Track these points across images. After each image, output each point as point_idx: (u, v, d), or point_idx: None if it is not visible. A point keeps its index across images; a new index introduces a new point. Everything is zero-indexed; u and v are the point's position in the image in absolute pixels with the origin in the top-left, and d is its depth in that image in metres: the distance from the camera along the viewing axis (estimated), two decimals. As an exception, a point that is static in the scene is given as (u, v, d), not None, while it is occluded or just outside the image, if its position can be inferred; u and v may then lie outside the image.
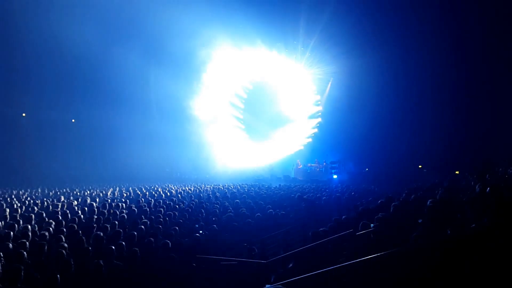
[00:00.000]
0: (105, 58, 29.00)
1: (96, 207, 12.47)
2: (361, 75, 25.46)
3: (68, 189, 20.53)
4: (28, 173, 30.07)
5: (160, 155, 33.74)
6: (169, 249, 7.42)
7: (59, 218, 10.08)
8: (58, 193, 19.06)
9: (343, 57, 26.32)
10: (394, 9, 24.06)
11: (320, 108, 30.80)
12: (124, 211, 11.69)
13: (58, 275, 5.64)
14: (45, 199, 15.71)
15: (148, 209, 11.80)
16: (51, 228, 8.75)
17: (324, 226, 8.34)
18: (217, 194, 16.59)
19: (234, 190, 18.24)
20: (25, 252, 6.49)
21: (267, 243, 9.40)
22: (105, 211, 11.38)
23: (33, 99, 33.02)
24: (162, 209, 11.92)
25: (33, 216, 10.21)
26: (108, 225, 9.08)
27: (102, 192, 18.79)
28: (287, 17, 26.43)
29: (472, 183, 9.79)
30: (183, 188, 20.17)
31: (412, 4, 23.59)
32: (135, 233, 8.24)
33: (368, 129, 26.06)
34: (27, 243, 7.19)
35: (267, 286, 5.80)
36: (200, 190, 19.28)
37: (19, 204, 13.45)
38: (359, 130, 26.14)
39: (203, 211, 11.60)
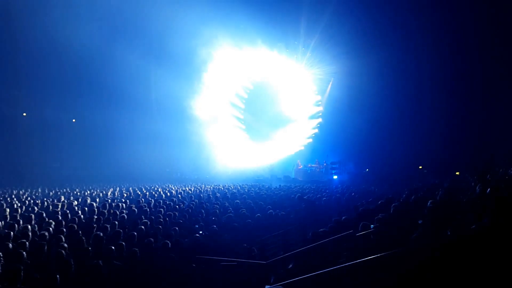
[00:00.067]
0: (106, 58, 29.01)
1: (96, 207, 12.47)
2: (362, 75, 25.47)
3: (68, 189, 20.51)
4: (28, 173, 30.07)
5: (160, 155, 33.75)
6: (169, 249, 7.42)
7: (59, 218, 10.08)
8: (58, 193, 19.05)
9: (343, 58, 26.33)
10: (394, 10, 24.07)
11: (320, 108, 30.80)
12: (124, 211, 11.68)
13: (58, 275, 5.64)
14: (45, 199, 15.70)
15: (148, 210, 11.80)
16: (51, 228, 8.74)
17: (324, 226, 8.34)
18: (217, 194, 16.58)
19: (234, 190, 18.23)
20: (24, 252, 6.48)
21: (267, 243, 9.40)
22: (105, 211, 11.38)
23: (34, 99, 33.02)
24: (162, 209, 11.92)
25: (33, 216, 10.20)
26: (108, 225, 9.08)
27: (102, 192, 18.78)
28: (288, 17, 26.42)
29: (472, 184, 9.79)
30: (183, 189, 20.15)
31: (412, 5, 23.59)
32: (135, 233, 8.24)
33: (368, 129, 26.06)
34: (27, 243, 7.18)
35: (267, 286, 5.80)
36: (200, 191, 19.27)
37: (19, 204, 13.44)
38: (359, 130, 26.14)
39: (203, 211, 11.60)
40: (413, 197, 9.92)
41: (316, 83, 30.51)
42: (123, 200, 14.91)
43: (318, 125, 30.73)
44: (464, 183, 12.79)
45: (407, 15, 24.08)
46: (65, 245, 7.21)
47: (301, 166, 29.72)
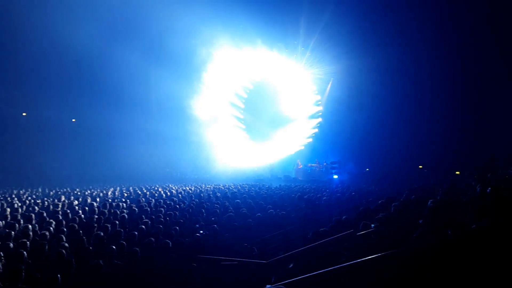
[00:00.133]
0: (106, 58, 28.99)
1: (97, 207, 12.49)
2: (362, 75, 25.49)
3: (68, 189, 20.52)
4: (28, 173, 30.05)
5: (160, 155, 33.78)
6: (169, 249, 7.43)
7: (59, 217, 10.10)
8: (59, 192, 19.07)
9: (343, 57, 26.35)
10: (394, 10, 24.06)
11: (320, 108, 30.82)
12: (125, 211, 11.70)
13: (59, 275, 5.65)
14: (45, 198, 15.71)
15: (148, 209, 11.82)
16: (51, 228, 8.76)
17: (325, 226, 8.34)
18: (218, 194, 16.58)
19: (234, 190, 18.24)
20: (25, 252, 6.49)
21: (267, 243, 9.40)
22: (106, 210, 11.39)
23: (33, 99, 33.00)
24: (162, 209, 11.94)
25: (33, 215, 10.22)
26: (108, 225, 9.09)
27: (102, 192, 18.79)
28: (288, 17, 26.43)
29: (473, 183, 9.79)
30: (184, 188, 20.16)
31: (412, 5, 23.58)
32: (136, 233, 8.25)
33: (368, 129, 26.08)
34: (28, 242, 7.19)
35: (267, 286, 5.80)
36: (201, 190, 19.29)
37: (19, 204, 13.46)
38: (359, 130, 26.16)
39: (203, 211, 11.61)
40: (413, 196, 9.93)
41: (316, 83, 30.53)
42: (124, 200, 14.93)
43: (318, 124, 30.75)
44: (464, 183, 12.80)
45: (407, 15, 24.08)
46: (66, 244, 7.22)
47: (301, 166, 29.73)
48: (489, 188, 6.42)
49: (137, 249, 7.05)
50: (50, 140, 33.45)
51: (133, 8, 27.64)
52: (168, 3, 26.45)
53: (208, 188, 20.25)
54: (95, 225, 9.25)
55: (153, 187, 21.55)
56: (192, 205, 12.83)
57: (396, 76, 25.22)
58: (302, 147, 31.34)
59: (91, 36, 27.15)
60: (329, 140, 28.93)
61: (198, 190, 19.32)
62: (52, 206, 12.71)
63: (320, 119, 30.65)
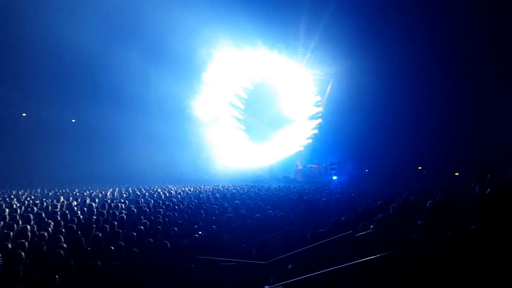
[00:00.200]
0: (106, 58, 29.00)
1: (96, 208, 12.46)
2: (362, 76, 25.47)
3: (67, 189, 20.49)
4: (27, 173, 30.06)
5: (160, 155, 33.76)
6: (168, 249, 7.42)
7: (58, 218, 10.08)
8: (58, 193, 19.05)
9: (343, 58, 26.34)
10: (394, 10, 24.07)
11: (320, 109, 30.81)
12: (124, 211, 11.68)
13: (57, 276, 5.64)
14: (44, 199, 15.70)
15: (147, 210, 11.80)
16: (50, 229, 8.74)
17: (324, 227, 8.33)
18: (217, 195, 16.56)
19: (233, 191, 18.21)
20: (23, 253, 6.48)
21: (266, 244, 9.38)
22: (104, 211, 11.37)
23: (33, 99, 33.05)
24: (161, 209, 11.92)
25: (32, 216, 10.20)
26: (107, 226, 9.08)
27: (101, 193, 18.77)
28: (288, 18, 26.44)
29: (472, 184, 9.78)
30: (183, 189, 20.15)
31: (412, 6, 23.60)
32: (134, 233, 8.24)
33: (368, 130, 26.06)
34: (26, 243, 7.18)
35: (266, 287, 5.80)
36: (200, 191, 19.27)
37: (18, 204, 13.44)
38: (359, 131, 26.13)
39: (202, 211, 11.59)
40: (412, 197, 9.91)
41: (316, 84, 30.53)
42: (122, 201, 14.92)
43: (318, 125, 30.74)
44: (464, 184, 12.78)
45: (407, 16, 24.09)
46: (64, 245, 7.21)
47: (301, 167, 29.70)
48: (489, 189, 6.40)
49: (136, 250, 7.04)
50: (50, 140, 33.47)
51: (133, 8, 27.68)
52: (168, 4, 26.48)
53: (207, 189, 20.23)
54: (94, 225, 9.23)
55: (152, 187, 21.54)
56: (191, 206, 12.82)
57: (396, 77, 25.23)
58: (302, 148, 31.33)
59: (91, 36, 27.17)
60: (329, 141, 28.91)
61: (197, 191, 19.30)
62: (51, 207, 12.71)
63: (320, 120, 30.65)
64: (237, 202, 13.35)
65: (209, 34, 28.54)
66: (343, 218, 8.90)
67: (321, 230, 7.98)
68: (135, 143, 33.21)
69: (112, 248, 6.93)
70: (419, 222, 6.63)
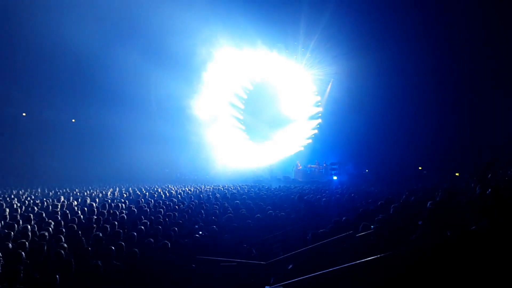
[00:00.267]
0: (105, 58, 29.00)
1: (96, 208, 12.46)
2: (362, 76, 25.48)
3: (68, 189, 20.49)
4: (28, 173, 30.08)
5: (160, 155, 33.74)
6: (168, 249, 7.42)
7: (58, 218, 10.08)
8: (58, 193, 19.04)
9: (343, 58, 26.36)
10: (394, 10, 24.08)
11: (320, 109, 30.83)
12: (124, 211, 11.68)
13: (58, 276, 5.64)
14: (45, 199, 15.69)
15: (148, 210, 11.80)
16: (50, 228, 8.74)
17: (324, 227, 8.33)
18: (217, 195, 16.56)
19: (234, 191, 18.22)
20: (24, 252, 6.48)
21: (266, 244, 9.39)
22: (105, 211, 11.37)
23: (33, 99, 33.01)
24: (162, 209, 11.92)
25: (32, 216, 10.20)
26: (107, 226, 9.08)
27: (102, 193, 18.78)
28: (288, 18, 26.43)
29: (472, 184, 9.78)
30: (183, 189, 20.15)
31: (412, 5, 23.61)
32: (135, 233, 8.24)
33: (368, 130, 26.07)
34: (27, 243, 7.18)
35: (266, 287, 5.80)
36: (200, 191, 19.27)
37: (19, 204, 13.44)
38: (359, 131, 26.15)
39: (202, 211, 11.59)
40: (412, 198, 9.92)
41: (316, 84, 30.55)
42: (123, 200, 14.92)
43: (318, 125, 30.76)
44: (464, 184, 12.79)
45: (407, 16, 24.10)
46: (65, 245, 7.21)
47: (301, 167, 29.72)
48: (489, 189, 6.40)
49: (136, 250, 7.04)
50: (50, 140, 33.47)
51: (133, 8, 27.65)
52: (168, 4, 26.47)
53: (208, 189, 20.24)
54: (94, 225, 9.23)
55: (152, 187, 21.54)
56: (191, 206, 12.81)
57: (396, 77, 25.24)
58: (302, 148, 31.35)
59: (90, 36, 27.14)
60: (329, 141, 28.93)
61: (197, 191, 19.30)
62: (51, 207, 12.70)
63: (320, 120, 30.67)
64: (238, 202, 13.34)
65: (209, 34, 28.56)
66: (343, 218, 8.91)
67: (321, 230, 7.98)
68: (135, 143, 33.16)
69: (113, 248, 6.93)
70: (419, 222, 6.64)
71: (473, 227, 5.07)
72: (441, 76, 24.20)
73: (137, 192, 18.90)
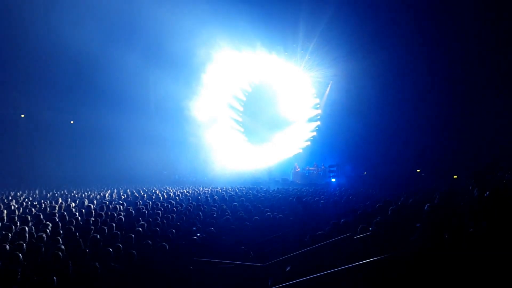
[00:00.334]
0: (104, 59, 28.99)
1: (94, 209, 12.44)
2: (361, 78, 25.51)
3: (66, 191, 20.47)
4: (26, 175, 30.03)
5: (158, 157, 33.72)
6: (166, 251, 7.41)
7: (56, 220, 10.05)
8: (56, 194, 19.01)
9: (342, 61, 26.39)
10: (394, 13, 24.13)
11: (319, 111, 30.84)
12: (122, 213, 11.65)
13: (55, 277, 5.62)
14: (42, 200, 15.67)
15: (145, 212, 11.79)
16: (48, 230, 8.72)
17: (322, 229, 8.32)
18: (215, 197, 16.55)
19: (232, 193, 18.21)
20: (21, 254, 6.46)
21: (265, 246, 9.37)
22: (103, 213, 11.35)
23: (32, 100, 33.00)
24: (160, 211, 11.90)
25: (30, 217, 10.18)
26: (105, 227, 9.06)
27: (100, 194, 18.75)
28: (287, 20, 26.46)
29: (470, 187, 9.80)
30: (181, 191, 20.13)
31: (412, 8, 23.65)
32: (133, 235, 8.23)
33: (366, 132, 26.09)
34: (24, 244, 7.16)
35: (264, 289, 5.79)
36: (198, 193, 19.25)
37: (16, 206, 13.41)
38: (357, 133, 26.17)
39: (200, 213, 11.58)
40: (411, 200, 9.93)
41: (315, 86, 30.56)
42: (121, 202, 14.90)
43: (317, 128, 30.76)
44: (462, 187, 12.81)
45: (406, 19, 24.14)
46: (62, 247, 7.19)
47: (299, 169, 29.72)
48: (487, 192, 6.41)
49: (134, 251, 7.03)
50: (48, 141, 33.46)
51: (132, 9, 27.70)
52: (167, 5, 26.50)
53: (206, 191, 20.22)
54: (92, 227, 9.22)
55: (150, 189, 21.52)
56: (189, 208, 12.80)
57: (395, 79, 25.28)
58: (300, 150, 31.34)
59: (89, 38, 27.17)
60: (327, 143, 28.95)
61: (195, 193, 19.28)
62: (49, 208, 12.69)
63: (318, 123, 30.68)
64: (236, 204, 13.33)
65: (208, 35, 28.58)
66: (341, 220, 8.90)
67: (319, 232, 7.97)
68: (134, 144, 33.15)
69: (111, 249, 6.92)
70: (417, 225, 6.64)
71: (471, 229, 5.07)
72: (439, 78, 24.23)
73: (135, 194, 18.87)
